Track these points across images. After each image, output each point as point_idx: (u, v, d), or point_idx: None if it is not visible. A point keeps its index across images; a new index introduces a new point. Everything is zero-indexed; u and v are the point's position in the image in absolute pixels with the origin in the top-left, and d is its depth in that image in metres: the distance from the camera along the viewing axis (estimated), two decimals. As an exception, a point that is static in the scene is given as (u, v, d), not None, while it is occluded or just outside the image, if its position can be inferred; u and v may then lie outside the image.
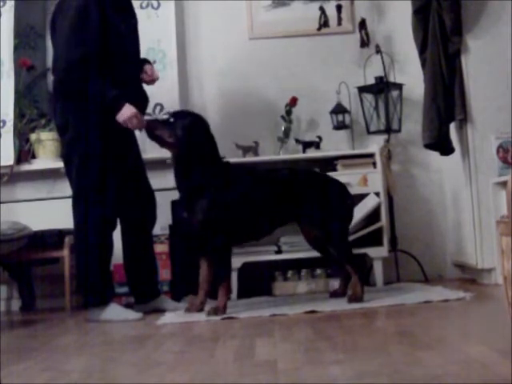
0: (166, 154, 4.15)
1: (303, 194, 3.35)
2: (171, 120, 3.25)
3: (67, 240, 3.91)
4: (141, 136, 3.52)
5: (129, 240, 3.52)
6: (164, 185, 4.22)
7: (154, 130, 3.25)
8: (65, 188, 4.31)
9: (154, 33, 4.30)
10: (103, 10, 3.28)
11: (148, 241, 3.58)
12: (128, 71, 3.41)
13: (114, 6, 3.34)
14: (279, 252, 3.99)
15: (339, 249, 3.33)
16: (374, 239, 3.98)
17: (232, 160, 4.12)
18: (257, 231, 3.42)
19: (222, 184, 3.27)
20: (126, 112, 3.22)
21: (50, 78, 4.48)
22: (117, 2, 3.38)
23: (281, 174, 3.46)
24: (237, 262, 3.80)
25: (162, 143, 3.26)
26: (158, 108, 4.24)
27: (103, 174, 3.30)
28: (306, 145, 4.23)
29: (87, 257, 3.34)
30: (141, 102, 3.43)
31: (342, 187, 3.47)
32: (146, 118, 3.41)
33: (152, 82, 3.56)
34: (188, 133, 3.21)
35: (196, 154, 3.21)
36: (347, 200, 3.45)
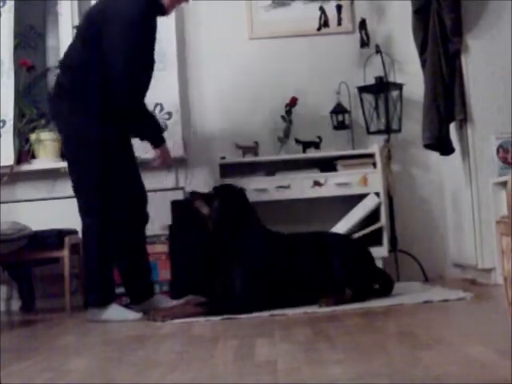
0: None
1: (330, 260, 3.27)
2: (211, 194, 3.34)
3: (67, 240, 3.90)
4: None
5: (121, 240, 3.50)
6: (164, 185, 4.24)
7: (194, 200, 3.34)
8: (65, 188, 4.33)
9: (154, 33, 4.29)
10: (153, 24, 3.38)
11: (141, 240, 3.56)
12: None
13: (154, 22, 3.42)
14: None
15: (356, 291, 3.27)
16: (374, 239, 3.97)
17: (232, 160, 4.15)
18: (290, 297, 3.28)
19: (259, 249, 3.25)
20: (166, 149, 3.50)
21: (50, 77, 4.51)
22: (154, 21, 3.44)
23: (310, 240, 3.40)
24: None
25: (200, 214, 3.32)
26: (158, 108, 4.24)
27: (104, 175, 3.30)
28: (306, 145, 4.23)
29: (88, 257, 3.35)
30: None
31: (364, 250, 3.44)
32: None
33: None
34: (223, 211, 3.26)
35: (230, 226, 3.24)
36: (369, 262, 3.40)
